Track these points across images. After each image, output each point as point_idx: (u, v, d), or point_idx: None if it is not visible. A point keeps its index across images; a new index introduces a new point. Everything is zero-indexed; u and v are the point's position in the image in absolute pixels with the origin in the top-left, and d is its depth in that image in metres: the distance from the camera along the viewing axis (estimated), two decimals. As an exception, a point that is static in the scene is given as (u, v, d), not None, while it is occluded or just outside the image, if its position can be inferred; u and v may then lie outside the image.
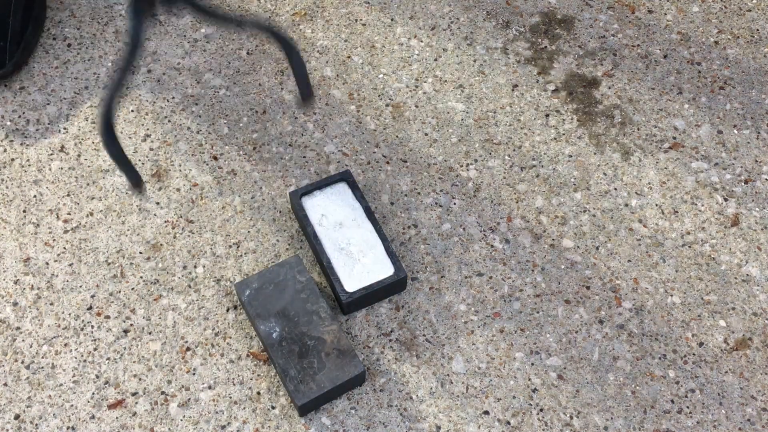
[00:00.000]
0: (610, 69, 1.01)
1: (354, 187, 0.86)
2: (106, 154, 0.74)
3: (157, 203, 0.89)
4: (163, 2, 0.63)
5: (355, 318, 0.82)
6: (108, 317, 0.82)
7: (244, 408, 0.77)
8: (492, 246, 0.87)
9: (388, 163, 0.93)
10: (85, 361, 0.80)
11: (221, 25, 0.66)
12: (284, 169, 0.91)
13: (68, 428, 0.76)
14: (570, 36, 1.03)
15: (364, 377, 0.77)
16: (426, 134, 0.95)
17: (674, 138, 0.95)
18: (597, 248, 0.87)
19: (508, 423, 0.77)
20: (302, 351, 0.77)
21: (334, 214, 0.85)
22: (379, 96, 0.98)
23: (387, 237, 0.84)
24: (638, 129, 0.96)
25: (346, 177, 0.87)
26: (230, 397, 0.78)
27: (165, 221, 0.88)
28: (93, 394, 0.78)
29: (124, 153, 0.67)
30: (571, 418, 0.77)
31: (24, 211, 0.89)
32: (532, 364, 0.80)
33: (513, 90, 0.98)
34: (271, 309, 0.79)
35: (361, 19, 1.05)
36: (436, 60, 1.01)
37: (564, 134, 0.95)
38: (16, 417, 0.77)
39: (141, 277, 0.84)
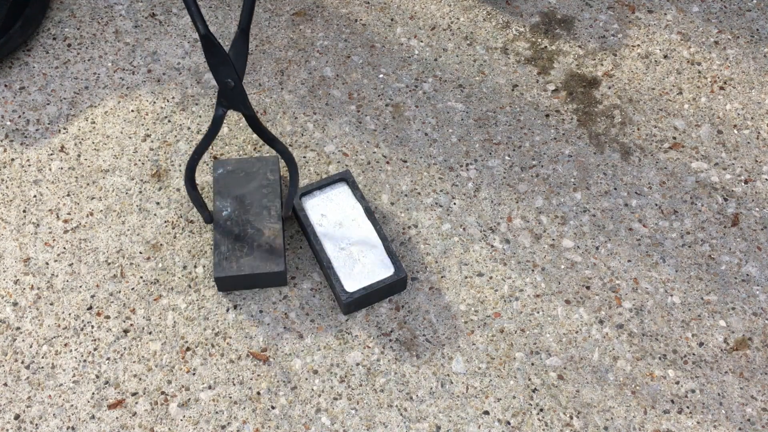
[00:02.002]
0: (610, 69, 1.01)
1: (354, 187, 0.86)
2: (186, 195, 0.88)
3: (157, 203, 0.89)
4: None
5: (355, 318, 0.82)
6: (108, 317, 0.82)
7: (244, 408, 0.77)
8: (492, 246, 0.87)
9: (388, 163, 0.93)
10: (85, 361, 0.80)
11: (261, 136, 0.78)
12: (284, 169, 0.91)
13: (68, 428, 0.76)
14: (570, 36, 1.03)
15: (285, 280, 0.82)
16: (426, 134, 0.95)
17: (674, 138, 0.95)
18: (597, 248, 0.87)
19: (508, 423, 0.77)
20: (240, 235, 0.82)
21: (334, 214, 0.85)
22: (379, 96, 0.98)
23: (387, 237, 0.84)
24: (638, 129, 0.96)
25: (346, 177, 0.87)
26: (230, 397, 0.78)
27: (165, 221, 0.88)
28: (93, 394, 0.78)
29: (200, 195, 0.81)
30: (571, 418, 0.77)
31: (24, 211, 0.89)
32: (532, 364, 0.80)
33: (513, 90, 0.98)
34: (233, 191, 0.85)
35: (361, 19, 1.05)
36: (436, 60, 1.01)
37: (564, 134, 0.95)
38: (16, 417, 0.77)
39: (141, 277, 0.84)
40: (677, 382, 0.79)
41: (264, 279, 0.81)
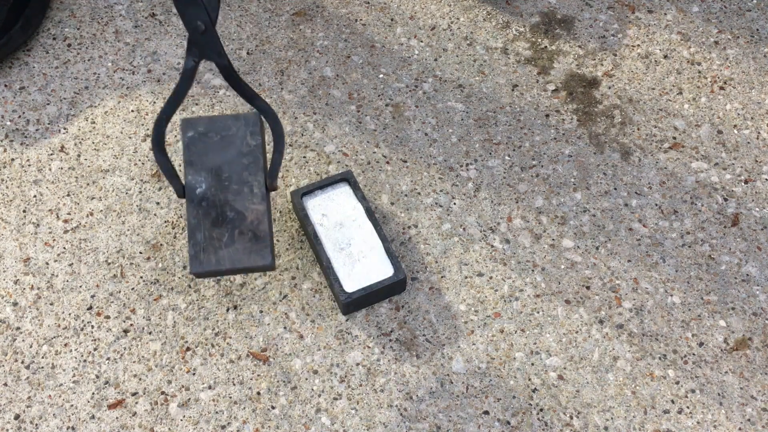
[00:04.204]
0: (610, 69, 1.01)
1: (356, 187, 0.86)
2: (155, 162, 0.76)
3: (157, 203, 0.89)
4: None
5: (355, 318, 0.82)
6: (108, 317, 0.82)
7: (244, 408, 0.77)
8: (492, 246, 0.87)
9: (388, 163, 0.93)
10: (85, 361, 0.80)
11: (238, 92, 0.69)
12: (284, 169, 0.91)
13: (68, 428, 0.76)
14: (570, 36, 1.03)
15: (273, 268, 0.71)
16: (426, 134, 0.95)
17: (674, 138, 0.95)
18: (597, 248, 0.87)
19: (508, 423, 0.77)
20: (218, 219, 0.70)
21: (335, 214, 0.85)
22: (379, 96, 0.98)
23: (387, 237, 0.84)
24: (638, 129, 0.96)
25: (347, 177, 0.87)
26: (230, 397, 0.78)
27: (165, 221, 0.88)
28: (93, 394, 0.78)
29: (171, 165, 0.70)
30: (571, 418, 0.77)
31: (24, 211, 0.89)
32: (532, 364, 0.80)
33: (513, 90, 0.98)
34: (207, 161, 0.71)
35: (361, 19, 1.05)
36: (436, 60, 1.01)
37: (564, 134, 0.95)
38: (16, 417, 0.77)
39: (141, 277, 0.84)
40: (677, 382, 0.79)
41: (249, 269, 0.71)
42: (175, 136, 0.77)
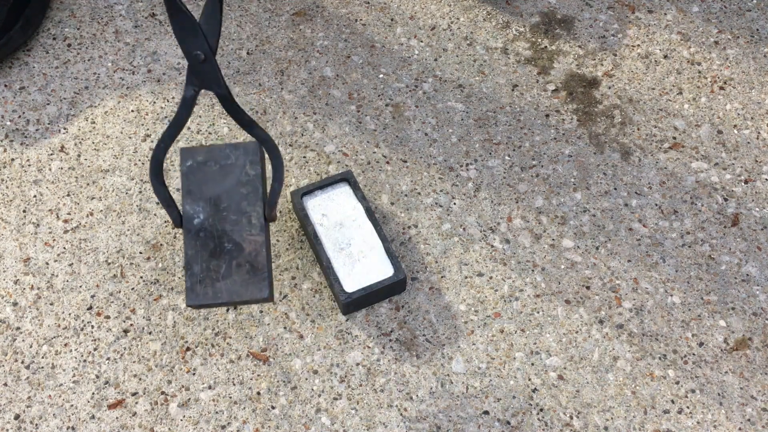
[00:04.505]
0: (610, 69, 1.01)
1: (356, 187, 0.86)
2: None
3: (157, 203, 0.89)
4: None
5: (355, 318, 0.82)
6: (108, 317, 0.82)
7: (244, 408, 0.77)
8: (492, 246, 0.87)
9: (388, 163, 0.93)
10: (85, 361, 0.80)
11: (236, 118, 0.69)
12: (284, 170, 0.91)
13: (68, 428, 0.76)
14: (570, 36, 1.03)
15: (272, 300, 0.70)
16: (426, 134, 0.95)
17: (674, 138, 0.95)
18: (597, 248, 0.87)
19: (508, 423, 0.77)
20: (216, 251, 0.68)
21: (335, 214, 0.85)
22: (379, 96, 0.98)
23: (387, 237, 0.84)
24: (638, 129, 0.96)
25: (348, 177, 0.87)
26: (230, 397, 0.78)
27: (165, 221, 0.88)
28: (93, 394, 0.78)
29: (169, 194, 0.69)
30: (571, 418, 0.77)
31: (24, 211, 0.89)
32: (532, 364, 0.80)
33: (513, 90, 0.98)
34: (206, 191, 0.69)
35: (361, 19, 1.05)
36: (436, 60, 1.01)
37: (564, 134, 0.95)
38: (16, 417, 0.77)
39: (141, 277, 0.84)
40: (677, 382, 0.79)
41: (246, 302, 0.70)
42: (172, 163, 0.76)
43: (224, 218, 0.69)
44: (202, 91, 0.97)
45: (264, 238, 0.69)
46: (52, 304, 0.83)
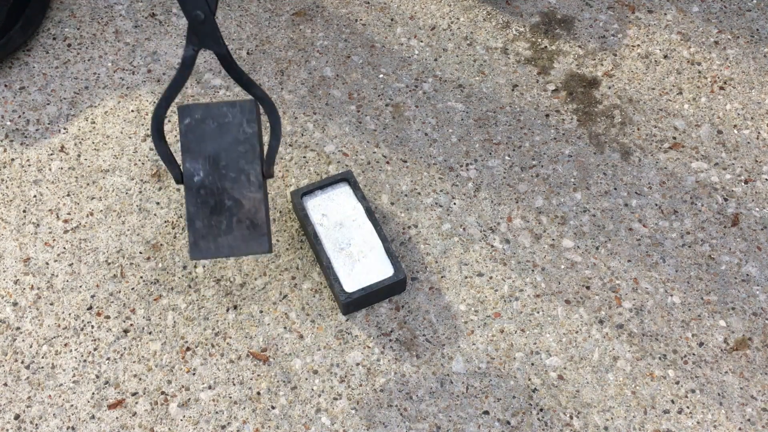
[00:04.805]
0: (610, 69, 1.01)
1: (356, 187, 0.86)
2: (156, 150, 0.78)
3: (157, 203, 0.89)
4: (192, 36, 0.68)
5: (355, 318, 0.82)
6: (108, 317, 0.82)
7: (244, 408, 0.77)
8: (492, 246, 0.87)
9: (388, 163, 0.93)
10: (85, 361, 0.80)
11: (234, 78, 0.71)
12: (284, 169, 0.91)
13: (68, 428, 0.76)
14: (570, 36, 1.03)
15: (270, 249, 0.73)
16: (426, 134, 0.95)
17: (674, 138, 0.95)
18: (597, 248, 0.87)
19: (508, 423, 0.77)
20: (216, 207, 0.71)
21: (335, 214, 0.85)
22: (379, 96, 0.98)
23: (387, 237, 0.84)
24: (638, 129, 0.96)
25: (348, 177, 0.87)
26: (230, 397, 0.78)
27: (165, 221, 0.88)
28: (93, 394, 0.78)
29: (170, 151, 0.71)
30: (571, 418, 0.77)
31: (24, 211, 0.89)
32: (532, 364, 0.80)
33: (513, 90, 0.98)
34: (204, 149, 0.72)
35: (361, 19, 1.05)
36: (436, 60, 1.01)
37: (564, 134, 0.95)
38: (16, 417, 0.77)
39: (141, 277, 0.84)
40: (677, 382, 0.79)
41: (247, 254, 0.73)
42: (170, 122, 0.78)
43: (223, 176, 0.71)
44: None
45: (262, 195, 0.71)
46: (52, 304, 0.83)
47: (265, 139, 0.91)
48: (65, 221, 0.88)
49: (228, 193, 0.71)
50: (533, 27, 1.04)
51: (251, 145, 0.72)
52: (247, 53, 1.01)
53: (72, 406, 0.77)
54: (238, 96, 0.97)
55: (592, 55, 1.02)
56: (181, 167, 0.72)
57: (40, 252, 0.86)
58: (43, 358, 0.80)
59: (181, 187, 0.90)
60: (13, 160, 0.92)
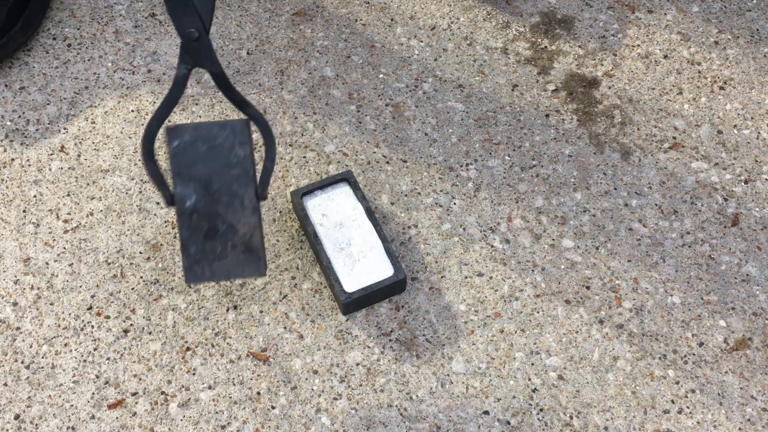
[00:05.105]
0: (610, 69, 1.01)
1: (356, 187, 0.86)
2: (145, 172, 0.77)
3: (157, 203, 0.89)
4: (184, 54, 0.66)
5: (355, 318, 0.82)
6: (108, 317, 0.82)
7: (244, 408, 0.77)
8: (492, 246, 0.87)
9: (388, 163, 0.93)
10: (85, 361, 0.80)
11: (229, 97, 0.70)
12: (284, 169, 0.91)
13: (68, 428, 0.76)
14: (570, 36, 1.03)
15: (265, 272, 0.71)
16: (426, 134, 0.95)
17: (674, 138, 0.95)
18: (597, 248, 0.87)
19: (508, 423, 0.77)
20: (210, 232, 0.69)
21: (335, 214, 0.85)
22: (379, 96, 0.98)
23: (387, 237, 0.84)
24: (638, 129, 0.96)
25: (348, 177, 0.87)
26: (230, 397, 0.78)
27: (165, 221, 0.88)
28: (93, 394, 0.78)
29: (160, 173, 0.70)
30: (571, 418, 0.77)
31: (24, 211, 0.89)
32: (532, 364, 0.80)
33: (513, 90, 0.98)
34: (195, 173, 0.69)
35: (361, 19, 1.05)
36: (436, 60, 1.01)
37: (564, 134, 0.95)
38: (16, 417, 0.77)
39: (141, 277, 0.84)
40: (677, 382, 0.79)
41: (242, 277, 0.71)
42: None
43: (216, 200, 0.69)
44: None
45: (257, 219, 0.69)
46: (52, 304, 0.83)
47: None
48: (65, 221, 0.88)
49: (222, 218, 0.69)
50: (533, 27, 1.04)
51: (244, 168, 0.69)
52: (247, 53, 1.01)
53: (72, 406, 0.77)
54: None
55: (592, 55, 1.02)
56: (172, 190, 0.70)
57: (40, 252, 0.86)
58: (43, 358, 0.80)
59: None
60: (13, 160, 0.92)
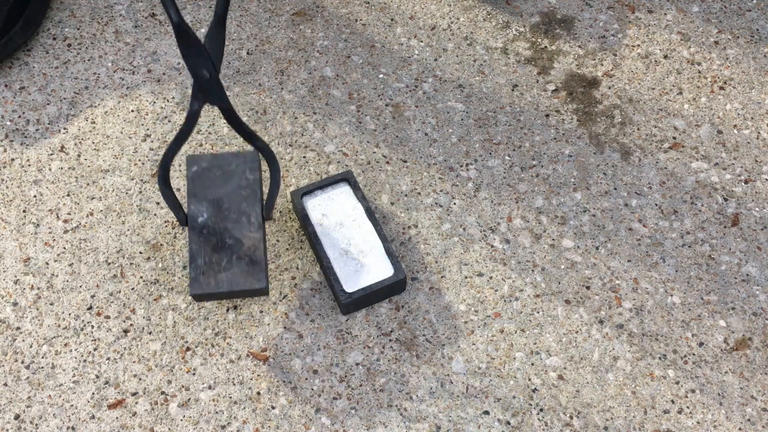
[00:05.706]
0: (610, 69, 1.01)
1: (356, 187, 0.86)
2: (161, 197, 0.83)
3: (157, 203, 0.89)
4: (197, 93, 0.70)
5: (355, 318, 0.82)
6: (108, 317, 0.82)
7: (244, 408, 0.77)
8: (492, 246, 0.87)
9: (388, 163, 0.93)
10: (85, 361, 0.80)
11: (238, 131, 0.74)
12: (284, 169, 0.91)
13: (68, 428, 0.76)
14: (570, 36, 1.03)
15: (267, 293, 0.77)
16: (426, 134, 0.95)
17: (674, 138, 0.95)
18: (597, 248, 0.87)
19: (508, 423, 0.77)
20: (218, 245, 0.76)
21: (335, 214, 0.85)
22: (379, 96, 0.98)
23: (387, 237, 0.84)
24: (638, 129, 0.96)
25: (348, 177, 0.87)
26: (230, 397, 0.78)
27: (165, 221, 0.88)
28: (93, 394, 0.78)
29: (175, 197, 0.76)
30: (571, 418, 0.77)
31: (24, 211, 0.89)
32: (532, 364, 0.80)
33: (513, 90, 0.98)
34: (209, 194, 0.78)
35: (361, 19, 1.05)
36: (436, 60, 1.01)
37: (564, 134, 0.95)
38: (16, 417, 0.77)
39: (141, 277, 0.84)
40: (677, 382, 0.79)
41: (245, 293, 0.76)
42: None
43: (226, 217, 0.77)
44: None
45: (261, 235, 0.76)
46: (52, 304, 0.83)
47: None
48: (65, 221, 0.88)
49: (229, 233, 0.77)
50: (533, 27, 1.04)
51: (252, 190, 0.78)
52: (247, 53, 1.01)
53: (72, 406, 0.77)
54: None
55: (592, 55, 1.02)
56: (186, 210, 0.77)
57: (40, 252, 0.86)
58: (43, 358, 0.80)
59: (182, 186, 0.90)
60: (13, 160, 0.92)
